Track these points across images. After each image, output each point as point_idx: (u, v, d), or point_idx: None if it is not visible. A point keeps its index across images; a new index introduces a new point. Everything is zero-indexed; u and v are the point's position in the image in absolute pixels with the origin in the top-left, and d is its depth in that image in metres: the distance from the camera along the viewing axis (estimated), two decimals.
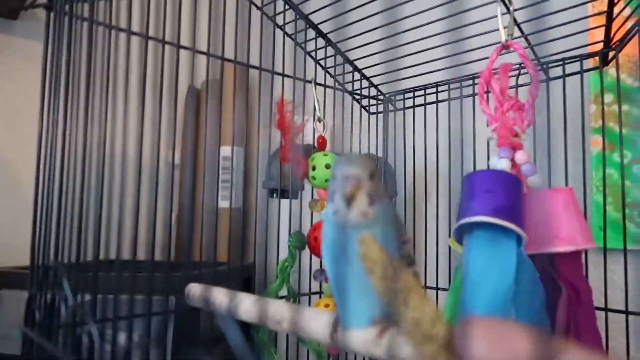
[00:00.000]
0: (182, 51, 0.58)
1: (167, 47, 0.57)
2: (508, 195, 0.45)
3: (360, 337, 0.32)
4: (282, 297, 0.60)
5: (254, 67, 0.65)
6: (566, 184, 0.60)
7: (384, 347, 0.31)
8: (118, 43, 0.51)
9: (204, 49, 0.60)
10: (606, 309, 0.52)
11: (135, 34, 0.53)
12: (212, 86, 0.65)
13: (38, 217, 0.53)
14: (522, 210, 0.45)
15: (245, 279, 0.97)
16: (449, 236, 0.67)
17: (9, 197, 1.28)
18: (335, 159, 0.36)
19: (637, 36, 0.54)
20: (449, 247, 0.68)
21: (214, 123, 0.61)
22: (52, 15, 0.58)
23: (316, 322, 0.35)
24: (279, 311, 0.37)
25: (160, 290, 0.47)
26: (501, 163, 0.50)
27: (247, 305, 0.40)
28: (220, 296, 0.41)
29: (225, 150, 0.99)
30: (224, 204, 0.99)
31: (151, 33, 0.55)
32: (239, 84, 0.67)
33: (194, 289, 0.46)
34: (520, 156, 0.50)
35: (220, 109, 0.64)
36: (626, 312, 0.51)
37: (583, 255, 0.52)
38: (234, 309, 0.40)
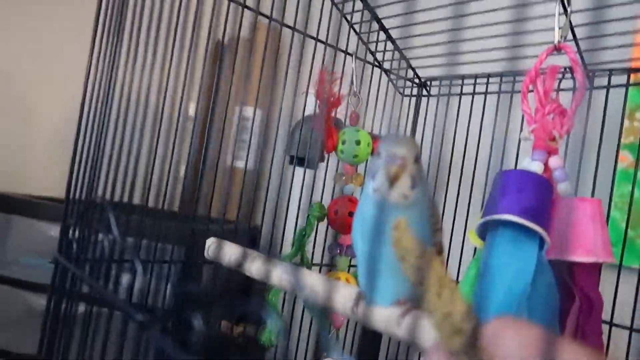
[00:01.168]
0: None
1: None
2: (538, 197, 0.45)
3: (382, 314, 0.33)
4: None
5: (287, 26, 0.64)
6: (592, 196, 0.59)
7: (405, 328, 0.32)
8: None
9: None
10: (611, 323, 0.52)
11: None
12: (242, 44, 0.63)
13: (78, 153, 0.53)
14: (549, 215, 0.46)
15: (250, 240, 0.98)
16: (464, 229, 0.68)
17: (19, 126, 1.28)
18: (383, 137, 0.36)
19: None
20: (462, 239, 0.69)
21: (240, 81, 0.61)
22: None
23: (341, 293, 0.35)
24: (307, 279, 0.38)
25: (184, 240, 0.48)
26: (534, 165, 0.49)
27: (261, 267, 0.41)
28: (255, 260, 0.42)
29: (247, 110, 0.98)
30: (239, 164, 1.00)
31: None
32: (270, 45, 0.65)
33: (229, 249, 0.46)
34: (554, 161, 0.49)
35: (248, 68, 0.63)
36: (631, 329, 0.52)
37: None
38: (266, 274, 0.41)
